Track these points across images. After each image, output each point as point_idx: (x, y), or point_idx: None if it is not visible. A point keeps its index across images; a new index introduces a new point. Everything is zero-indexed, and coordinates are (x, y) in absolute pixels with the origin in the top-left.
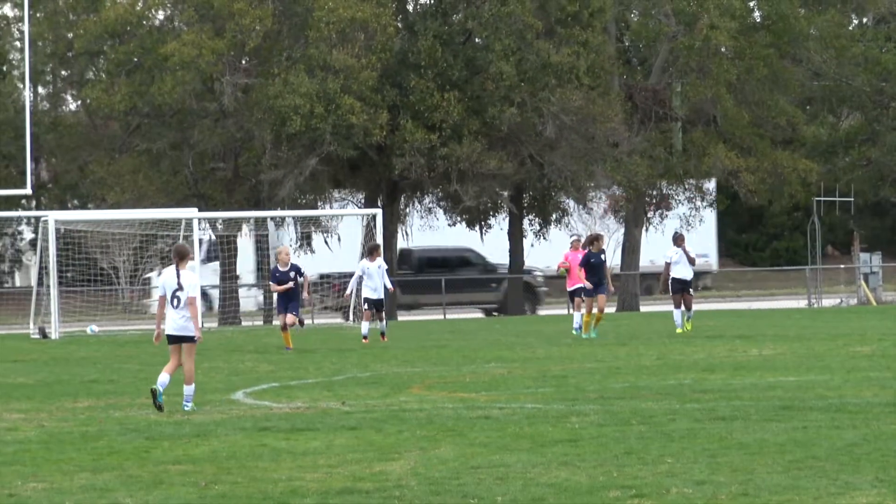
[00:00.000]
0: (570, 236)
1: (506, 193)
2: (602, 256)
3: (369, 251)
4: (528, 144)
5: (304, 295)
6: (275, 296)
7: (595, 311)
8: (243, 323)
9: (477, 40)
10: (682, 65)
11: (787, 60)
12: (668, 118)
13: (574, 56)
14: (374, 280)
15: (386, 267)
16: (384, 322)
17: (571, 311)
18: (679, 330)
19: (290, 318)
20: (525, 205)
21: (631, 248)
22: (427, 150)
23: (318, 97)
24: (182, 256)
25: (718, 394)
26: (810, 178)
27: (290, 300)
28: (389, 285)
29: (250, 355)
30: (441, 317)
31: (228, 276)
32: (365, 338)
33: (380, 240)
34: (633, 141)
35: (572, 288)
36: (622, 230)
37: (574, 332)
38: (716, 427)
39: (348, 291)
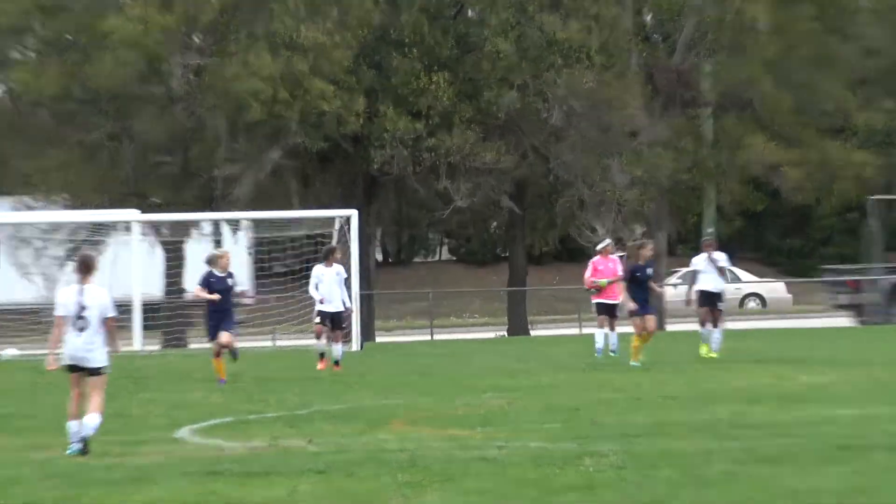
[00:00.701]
0: (600, 242)
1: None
2: (649, 270)
3: (325, 255)
4: (531, 135)
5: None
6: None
7: (628, 333)
8: (191, 345)
9: (470, 13)
10: (711, 41)
11: (835, 36)
12: (695, 103)
13: (584, 32)
14: (330, 289)
15: (346, 276)
16: (340, 346)
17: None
18: (704, 352)
19: (224, 337)
20: (526, 206)
21: (655, 257)
22: (411, 141)
23: (283, 80)
24: (87, 269)
25: (762, 430)
26: (865, 172)
27: (223, 316)
28: (348, 300)
29: (199, 384)
30: (428, 336)
31: (174, 289)
32: (322, 357)
33: (354, 243)
34: (655, 130)
35: (601, 301)
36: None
37: (597, 355)
38: (759, 470)
39: (317, 298)
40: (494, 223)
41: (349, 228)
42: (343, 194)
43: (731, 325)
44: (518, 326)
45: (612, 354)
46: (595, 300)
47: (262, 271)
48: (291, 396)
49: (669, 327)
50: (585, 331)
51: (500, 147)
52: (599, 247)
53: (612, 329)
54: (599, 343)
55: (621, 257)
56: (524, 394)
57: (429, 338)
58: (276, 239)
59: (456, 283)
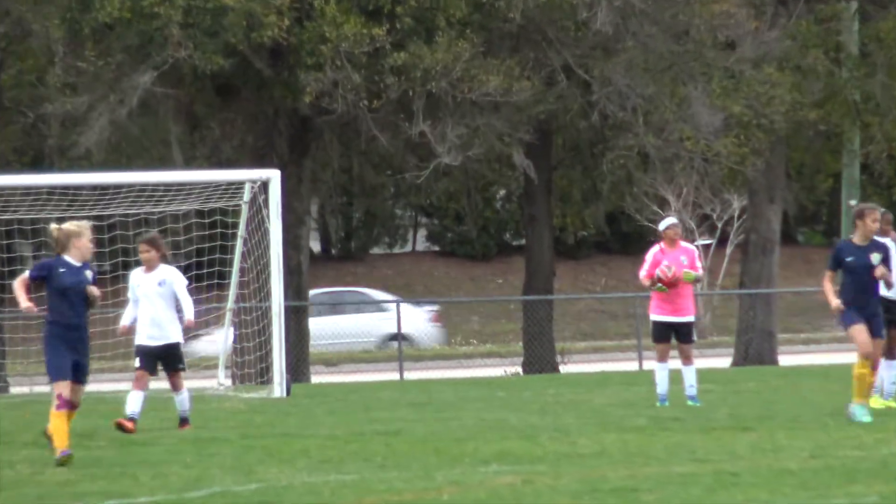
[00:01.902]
0: (663, 221)
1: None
2: (876, 254)
3: (148, 248)
4: (563, 46)
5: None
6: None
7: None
8: (13, 389)
9: None
10: None
11: None
12: None
13: None
14: (154, 309)
15: (184, 283)
16: (183, 394)
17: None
18: (878, 401)
19: (70, 390)
20: (555, 164)
21: (761, 246)
22: (366, 58)
23: None
24: None
25: None
26: None
27: (77, 339)
28: (189, 313)
29: (29, 451)
30: (395, 374)
31: None
32: (131, 421)
33: (274, 224)
34: (765, 39)
35: (661, 320)
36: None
37: (659, 403)
38: None
39: (126, 323)
40: (502, 192)
41: (266, 200)
42: (256, 145)
43: None
44: (540, 357)
45: (689, 403)
46: (652, 316)
47: (125, 269)
48: (178, 469)
49: (786, 359)
50: (649, 364)
51: (512, 67)
52: (662, 226)
53: (687, 362)
54: (661, 386)
55: (705, 247)
56: (549, 466)
57: (397, 376)
58: (146, 217)
59: (440, 289)
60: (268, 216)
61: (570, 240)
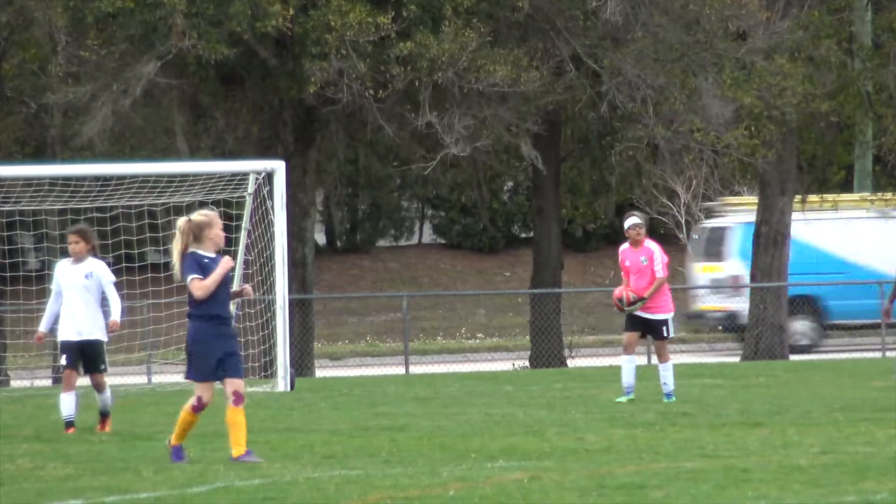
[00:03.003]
0: (627, 219)
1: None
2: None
3: (77, 239)
4: (572, 36)
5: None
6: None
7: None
8: (14, 382)
9: None
10: None
11: None
12: None
13: None
14: (79, 303)
15: (112, 279)
16: (106, 393)
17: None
18: None
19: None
20: (563, 155)
21: (772, 239)
22: (372, 47)
23: None
24: None
25: None
26: None
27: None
28: (116, 314)
29: (29, 445)
30: (401, 368)
31: None
32: (69, 425)
33: (279, 216)
34: (777, 29)
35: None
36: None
37: (624, 397)
38: None
39: (43, 329)
40: (510, 184)
41: (271, 191)
42: (261, 135)
43: None
44: (548, 351)
45: (665, 400)
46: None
47: (128, 262)
48: (181, 464)
49: (798, 354)
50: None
51: (520, 57)
52: (625, 225)
53: (661, 360)
54: (626, 378)
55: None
56: (557, 462)
57: (402, 370)
58: (150, 209)
59: (447, 282)
60: (272, 208)
61: (578, 232)
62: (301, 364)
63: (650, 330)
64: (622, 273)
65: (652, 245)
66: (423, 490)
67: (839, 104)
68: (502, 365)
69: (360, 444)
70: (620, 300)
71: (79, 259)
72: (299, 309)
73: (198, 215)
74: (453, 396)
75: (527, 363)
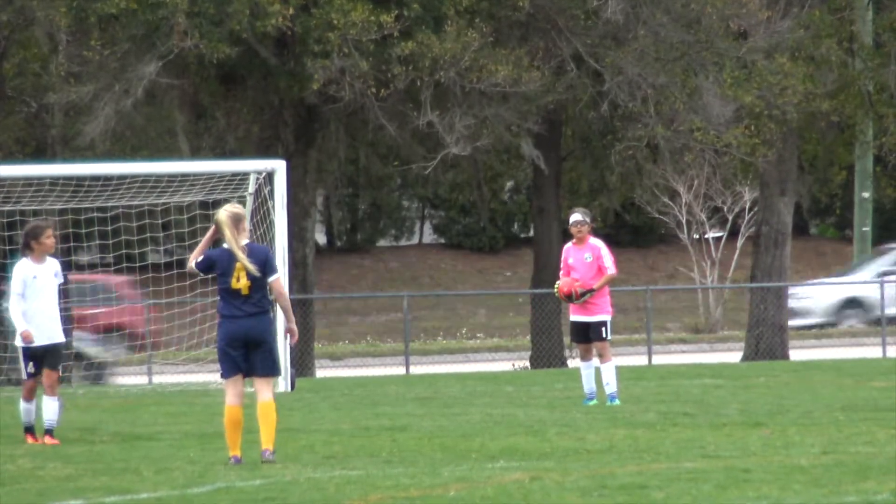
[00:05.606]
0: (571, 215)
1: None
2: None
3: (26, 240)
4: (573, 35)
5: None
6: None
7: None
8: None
9: None
10: None
11: None
12: None
13: None
14: (48, 304)
15: (61, 280)
16: (55, 400)
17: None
18: None
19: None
20: (564, 155)
21: (773, 239)
22: (373, 46)
23: None
24: None
25: None
26: None
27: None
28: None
29: (30, 445)
30: (401, 369)
31: None
32: (29, 432)
33: (280, 216)
34: (778, 28)
35: (575, 320)
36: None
37: (585, 402)
38: None
39: (27, 328)
40: (510, 183)
41: (271, 191)
42: (262, 135)
43: None
44: (548, 351)
45: (608, 403)
46: (570, 317)
47: (129, 262)
48: (181, 465)
49: (797, 353)
50: (659, 359)
51: (521, 57)
52: (570, 220)
53: (602, 360)
54: (586, 385)
55: (716, 239)
56: (557, 462)
57: (403, 370)
58: (150, 209)
59: (447, 282)
60: (273, 208)
61: None
62: (301, 364)
63: (590, 331)
64: (561, 272)
65: (597, 242)
66: (424, 490)
67: (840, 104)
68: (503, 365)
69: (361, 444)
70: (569, 296)
71: (43, 257)
72: (300, 309)
73: (232, 207)
74: (454, 396)
75: (527, 363)
